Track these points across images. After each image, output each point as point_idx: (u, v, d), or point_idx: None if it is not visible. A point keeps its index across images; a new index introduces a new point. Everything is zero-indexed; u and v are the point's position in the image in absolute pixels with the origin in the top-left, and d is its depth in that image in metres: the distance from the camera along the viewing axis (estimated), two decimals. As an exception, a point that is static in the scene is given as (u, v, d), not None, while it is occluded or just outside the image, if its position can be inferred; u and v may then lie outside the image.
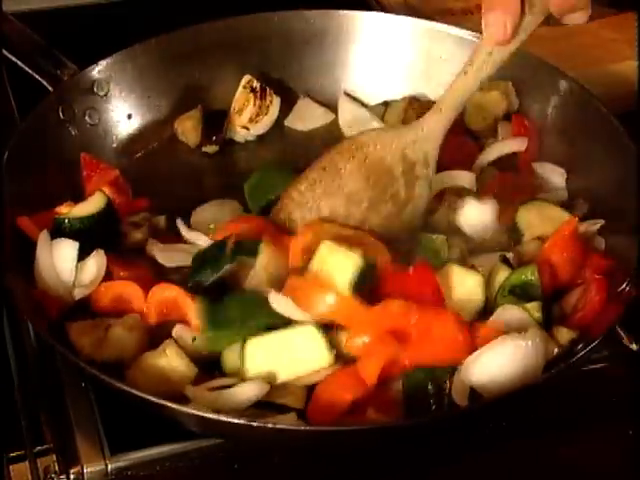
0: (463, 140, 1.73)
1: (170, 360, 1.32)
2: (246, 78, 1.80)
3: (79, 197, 1.57)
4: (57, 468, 1.30)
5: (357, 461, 1.35)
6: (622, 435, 1.40)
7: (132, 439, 1.32)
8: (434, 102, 1.52)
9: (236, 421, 1.21)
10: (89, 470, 1.29)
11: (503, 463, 1.38)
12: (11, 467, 1.32)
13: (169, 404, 1.22)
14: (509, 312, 1.38)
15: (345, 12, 1.85)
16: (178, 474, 1.32)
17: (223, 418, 1.21)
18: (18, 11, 1.93)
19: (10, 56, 1.69)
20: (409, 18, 1.86)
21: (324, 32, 1.85)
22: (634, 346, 1.42)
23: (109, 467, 1.30)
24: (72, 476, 1.29)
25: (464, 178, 1.64)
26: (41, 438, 1.34)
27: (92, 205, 1.50)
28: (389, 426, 1.27)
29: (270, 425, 1.21)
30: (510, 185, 1.65)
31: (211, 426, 1.26)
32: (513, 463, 1.38)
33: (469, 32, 1.78)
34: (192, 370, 1.33)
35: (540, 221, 1.53)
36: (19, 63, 1.69)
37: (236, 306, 1.37)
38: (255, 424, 1.20)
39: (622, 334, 1.43)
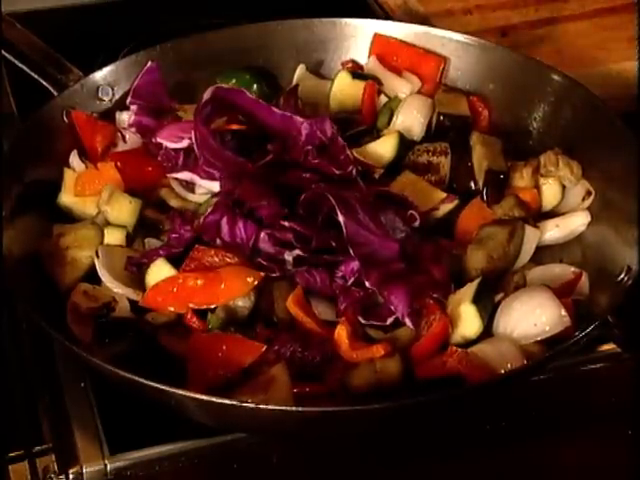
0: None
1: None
2: None
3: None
4: (56, 468, 1.30)
5: (356, 461, 1.35)
6: (622, 435, 1.40)
7: (131, 439, 1.32)
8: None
9: (228, 402, 1.20)
10: (88, 470, 1.29)
11: (503, 463, 1.38)
12: (10, 467, 1.32)
13: (167, 388, 1.21)
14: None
15: (348, 20, 1.85)
16: (178, 474, 1.32)
17: (217, 400, 1.20)
18: (18, 11, 1.93)
19: (16, 61, 1.70)
20: (410, 25, 1.86)
21: (328, 40, 1.85)
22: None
23: (108, 467, 1.30)
24: (71, 476, 1.29)
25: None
26: (40, 438, 1.34)
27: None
28: (389, 407, 1.24)
29: (262, 406, 1.20)
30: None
31: (209, 410, 1.26)
32: (513, 463, 1.38)
33: (467, 36, 1.80)
34: None
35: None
36: (24, 68, 1.70)
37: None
38: (246, 405, 1.20)
39: (621, 333, 1.43)
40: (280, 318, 1.39)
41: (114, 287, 1.43)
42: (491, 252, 1.46)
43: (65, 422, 1.35)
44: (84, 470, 1.29)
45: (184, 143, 1.60)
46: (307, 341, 1.35)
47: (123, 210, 1.53)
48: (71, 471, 1.29)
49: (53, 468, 1.30)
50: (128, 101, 1.70)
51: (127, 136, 1.68)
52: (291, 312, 1.38)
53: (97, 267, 1.44)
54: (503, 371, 1.30)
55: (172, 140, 1.61)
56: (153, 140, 1.63)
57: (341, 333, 1.35)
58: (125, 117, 1.70)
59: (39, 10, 2.16)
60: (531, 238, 1.51)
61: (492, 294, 1.41)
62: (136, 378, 1.22)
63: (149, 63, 1.72)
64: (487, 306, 1.38)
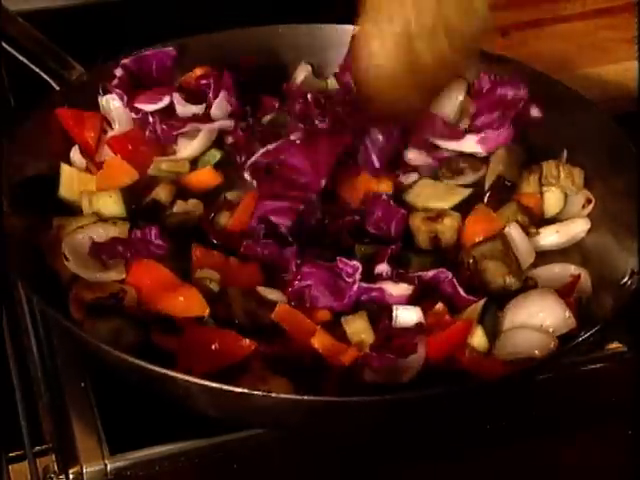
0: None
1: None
2: None
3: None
4: (56, 468, 1.30)
5: (358, 461, 1.35)
6: (622, 435, 1.40)
7: (132, 439, 1.32)
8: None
9: (233, 389, 1.20)
10: (88, 470, 1.29)
11: (503, 463, 1.38)
12: (10, 467, 1.33)
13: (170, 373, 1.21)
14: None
15: (350, 27, 1.82)
16: (178, 474, 1.32)
17: (218, 386, 1.20)
18: (21, 10, 1.93)
19: (18, 55, 1.71)
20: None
21: (330, 46, 1.85)
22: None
23: (108, 467, 1.29)
24: (71, 476, 1.29)
25: None
26: (40, 438, 1.34)
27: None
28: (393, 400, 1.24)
29: (265, 394, 1.20)
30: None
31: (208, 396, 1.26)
32: (513, 463, 1.38)
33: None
34: None
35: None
36: (27, 63, 1.70)
37: None
38: (251, 392, 1.20)
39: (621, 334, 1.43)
40: (243, 324, 1.39)
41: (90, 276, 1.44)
42: (503, 266, 1.46)
43: (65, 422, 1.34)
44: (84, 470, 1.29)
45: (164, 101, 1.64)
46: (291, 349, 1.35)
47: (108, 205, 1.55)
48: (71, 471, 1.29)
49: (53, 468, 1.30)
50: (122, 61, 1.71)
51: (116, 120, 1.68)
52: (279, 323, 1.37)
53: (70, 268, 1.45)
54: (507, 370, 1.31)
55: (150, 102, 1.65)
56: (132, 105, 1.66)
57: (320, 340, 1.34)
58: (105, 101, 1.70)
59: (40, 10, 2.15)
60: (521, 238, 1.51)
61: (496, 313, 1.40)
62: (137, 361, 1.22)
63: (170, 48, 1.74)
64: (492, 325, 1.38)
